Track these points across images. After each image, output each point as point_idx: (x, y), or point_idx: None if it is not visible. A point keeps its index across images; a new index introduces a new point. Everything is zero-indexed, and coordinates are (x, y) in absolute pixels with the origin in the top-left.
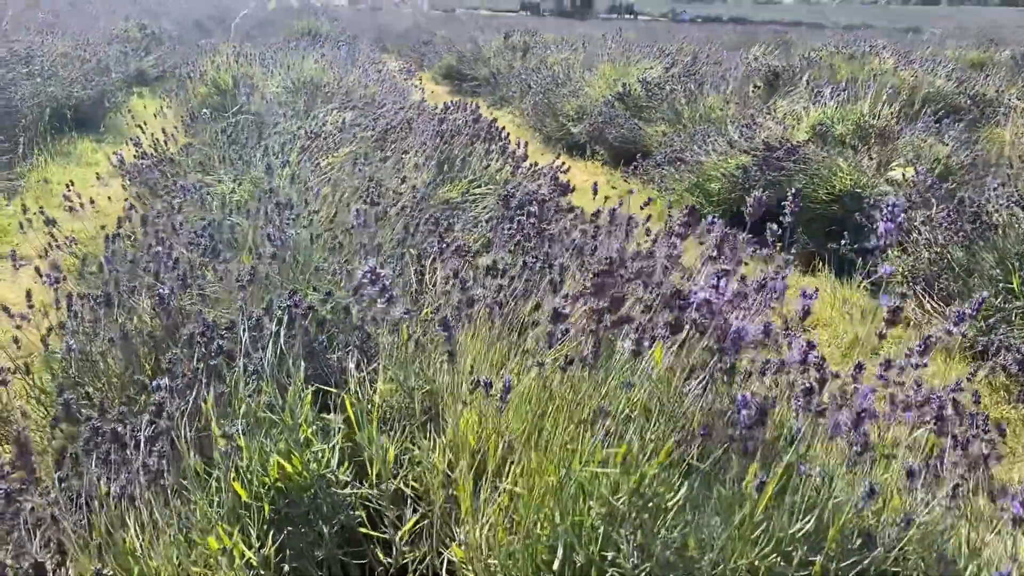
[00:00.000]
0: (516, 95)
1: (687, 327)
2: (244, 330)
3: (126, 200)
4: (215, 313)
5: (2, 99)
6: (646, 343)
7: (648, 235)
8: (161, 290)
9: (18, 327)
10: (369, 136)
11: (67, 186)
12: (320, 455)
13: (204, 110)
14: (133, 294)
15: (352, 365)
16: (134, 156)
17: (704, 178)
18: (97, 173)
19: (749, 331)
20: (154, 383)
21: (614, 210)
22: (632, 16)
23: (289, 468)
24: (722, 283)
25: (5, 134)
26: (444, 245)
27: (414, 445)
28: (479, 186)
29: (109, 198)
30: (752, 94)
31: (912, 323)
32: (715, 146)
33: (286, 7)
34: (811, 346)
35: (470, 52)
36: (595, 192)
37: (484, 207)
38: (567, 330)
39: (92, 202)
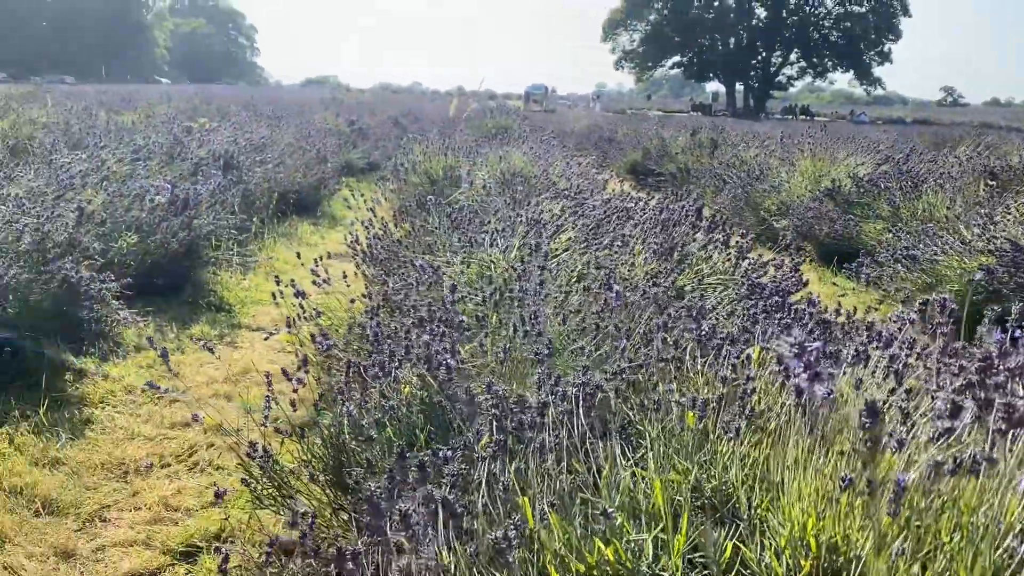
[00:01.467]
0: (708, 190)
1: None
2: (547, 404)
3: (356, 275)
4: (505, 386)
5: (242, 185)
6: None
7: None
8: (447, 360)
9: (295, 391)
10: (588, 223)
11: (315, 261)
12: (636, 546)
13: (426, 197)
14: (401, 364)
15: (618, 451)
16: (366, 238)
17: (937, 279)
18: (329, 252)
19: None
20: (442, 453)
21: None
22: (808, 117)
23: (610, 555)
24: None
25: (246, 215)
26: (703, 333)
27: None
28: (703, 277)
29: (344, 274)
30: (983, 192)
31: None
32: (949, 245)
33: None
34: None
35: (655, 148)
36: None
37: (725, 296)
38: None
39: (327, 282)
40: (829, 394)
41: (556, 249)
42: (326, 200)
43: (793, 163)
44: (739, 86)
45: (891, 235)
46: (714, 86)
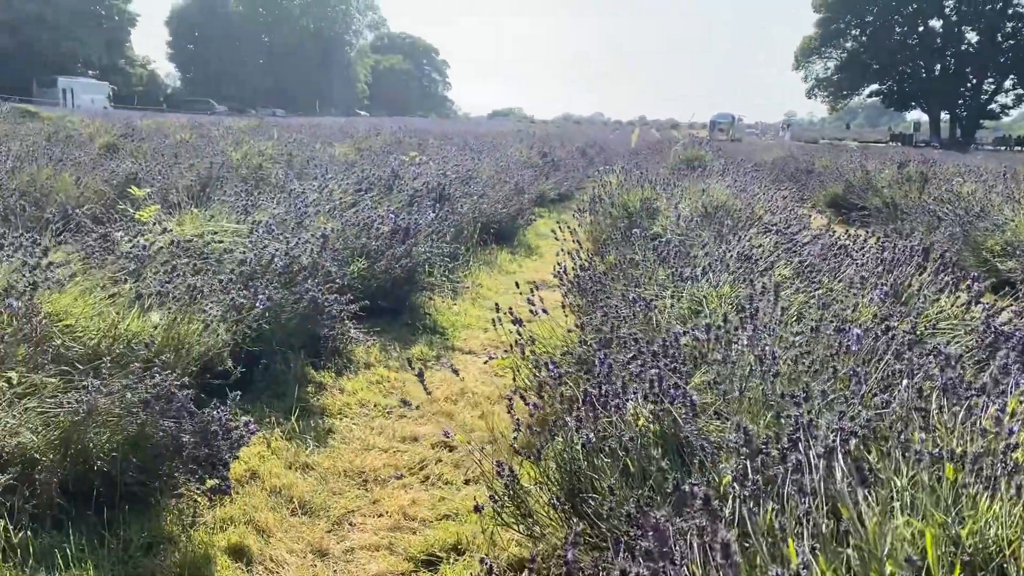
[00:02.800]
0: (920, 227)
1: None
2: (808, 445)
3: (563, 307)
4: (709, 429)
5: (455, 215)
6: None
7: None
8: (691, 397)
9: (531, 415)
10: (799, 261)
11: (531, 290)
12: None
13: (628, 231)
14: (633, 396)
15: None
16: (572, 269)
17: None
18: (535, 283)
19: None
20: (691, 488)
21: None
22: None
23: None
24: None
25: (454, 244)
26: (949, 381)
27: None
28: (929, 319)
29: (563, 307)
30: None
31: None
32: None
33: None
34: None
35: (858, 181)
36: None
37: (963, 343)
38: None
39: (544, 310)
40: None
41: (765, 287)
42: (522, 230)
43: (1018, 200)
44: (944, 115)
45: None
46: (915, 115)
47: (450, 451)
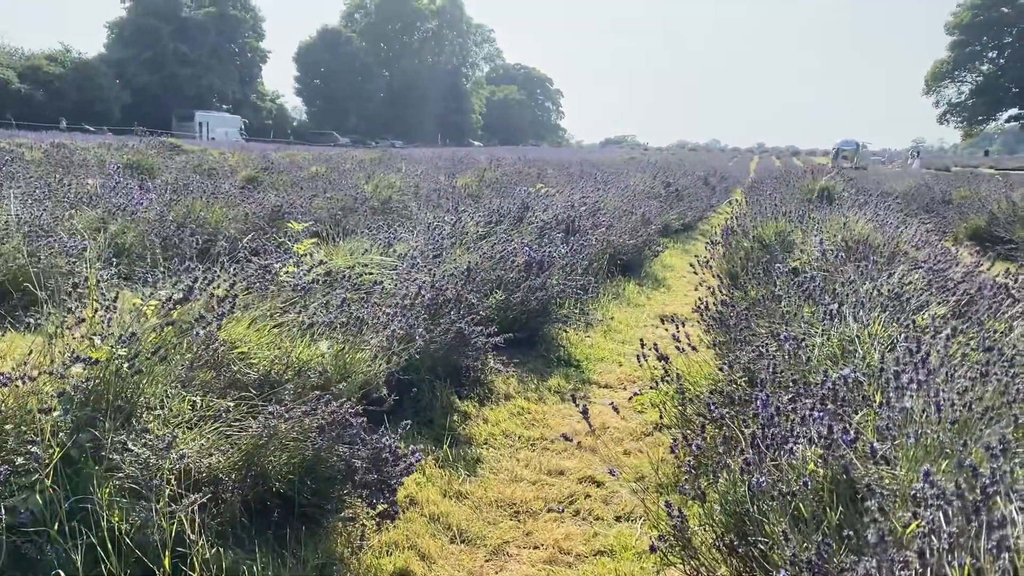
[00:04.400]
0: None
1: None
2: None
3: (700, 339)
4: (890, 478)
5: (587, 247)
6: None
7: None
8: (871, 443)
9: (691, 454)
10: (955, 300)
11: (677, 326)
12: None
13: (770, 264)
14: (792, 438)
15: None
16: (713, 303)
17: None
18: (661, 317)
19: None
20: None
21: None
22: None
23: None
24: None
25: (585, 277)
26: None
27: None
28: None
29: (705, 344)
30: None
31: None
32: None
33: (778, 166)
34: None
35: (1004, 213)
36: None
37: None
38: None
39: (693, 347)
40: None
41: (919, 326)
42: (648, 261)
43: None
44: None
45: None
46: None
47: (597, 486)
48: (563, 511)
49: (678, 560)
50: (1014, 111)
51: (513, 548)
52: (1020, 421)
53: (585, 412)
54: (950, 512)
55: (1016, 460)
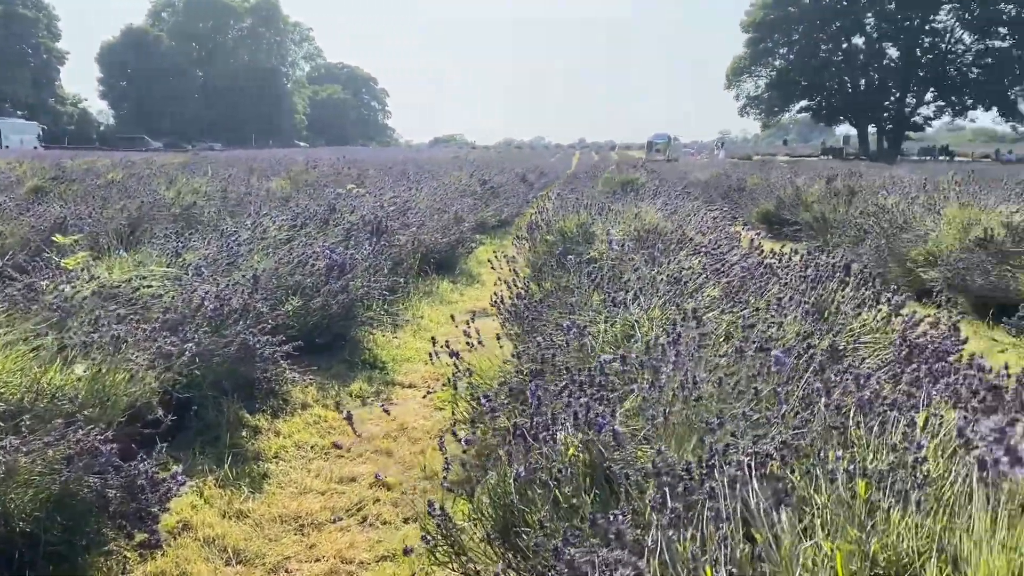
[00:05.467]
0: (847, 240)
1: None
2: (717, 471)
3: (498, 336)
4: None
5: (394, 247)
6: None
7: None
8: (613, 426)
9: (464, 451)
10: (731, 280)
11: (467, 323)
12: None
13: (563, 256)
14: (563, 427)
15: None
16: (508, 297)
17: None
18: (472, 311)
19: None
20: (616, 517)
21: None
22: (948, 158)
23: None
24: None
25: (393, 276)
26: (865, 398)
27: None
28: (853, 335)
29: (496, 336)
30: None
31: None
32: None
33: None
34: None
35: (789, 198)
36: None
37: (875, 356)
38: None
39: (480, 342)
40: None
41: (697, 308)
42: (463, 259)
43: (939, 211)
44: (871, 128)
45: None
46: (844, 129)
47: (388, 490)
48: (348, 519)
49: (446, 559)
50: (804, 103)
51: (294, 564)
52: (763, 394)
53: (349, 418)
54: (680, 488)
55: (757, 433)
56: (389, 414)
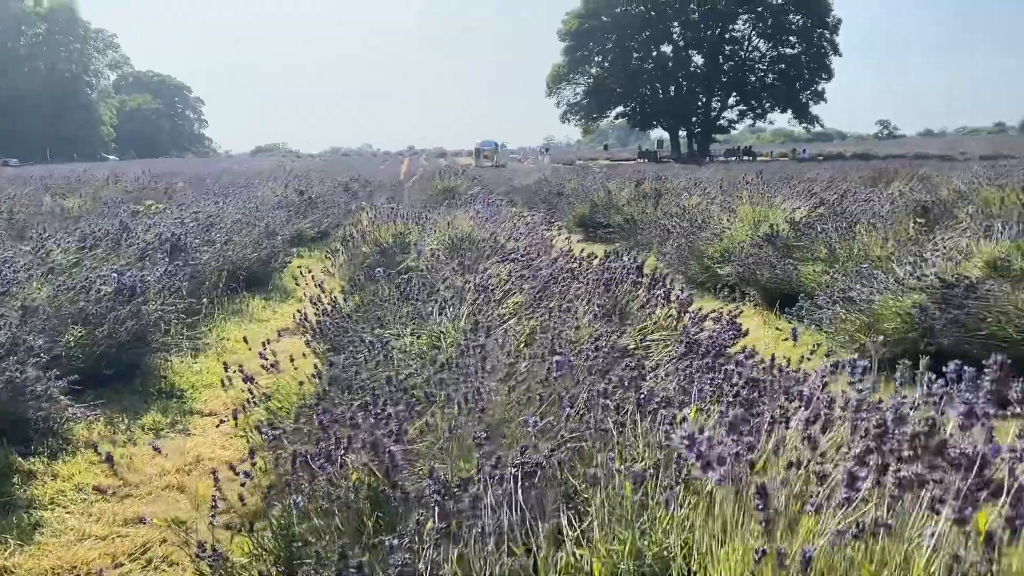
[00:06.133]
0: (654, 240)
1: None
2: (485, 487)
3: (304, 355)
4: (444, 468)
5: (192, 265)
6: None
7: None
8: (390, 447)
9: (242, 484)
10: (535, 286)
11: (263, 344)
12: None
13: (366, 269)
14: (348, 451)
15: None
16: (313, 314)
17: (875, 318)
18: (278, 331)
19: None
20: (388, 543)
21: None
22: (751, 158)
23: None
24: None
25: (194, 297)
26: (642, 397)
27: None
28: (649, 332)
29: (292, 357)
30: (913, 230)
31: None
32: (884, 284)
33: (426, 167)
34: None
35: (602, 201)
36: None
37: (664, 352)
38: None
39: (276, 364)
40: (720, 480)
41: (504, 315)
42: (277, 273)
43: (733, 209)
44: (682, 131)
45: (829, 276)
46: (658, 133)
47: (178, 529)
48: (130, 564)
49: None
50: (621, 109)
51: None
52: (548, 400)
53: (109, 460)
54: (450, 505)
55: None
56: (184, 446)
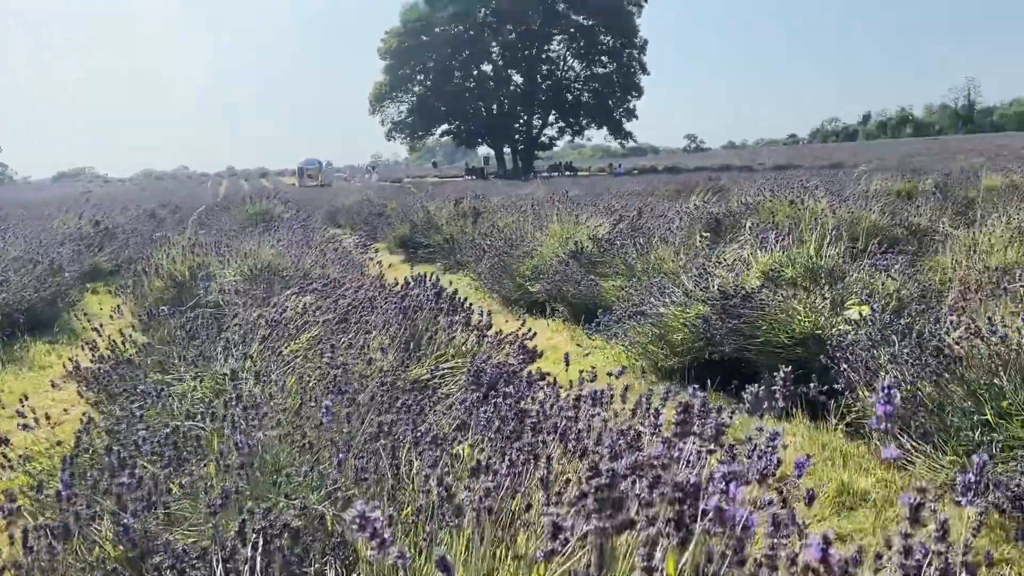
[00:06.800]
0: (471, 259)
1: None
2: (218, 562)
3: (81, 409)
4: (185, 538)
5: None
6: (658, 554)
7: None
8: (125, 520)
9: None
10: (332, 318)
11: (20, 400)
12: None
13: (161, 306)
14: (94, 521)
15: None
16: (90, 360)
17: (666, 329)
18: (52, 381)
19: (755, 521)
20: None
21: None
22: (572, 173)
23: None
24: (732, 487)
25: None
26: (419, 435)
27: None
28: (447, 360)
29: (65, 410)
30: (700, 243)
31: (896, 465)
32: (673, 297)
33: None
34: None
35: (422, 221)
36: (567, 362)
37: (456, 382)
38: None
39: (47, 417)
40: (400, 557)
41: (296, 350)
42: (66, 313)
43: (544, 228)
44: (507, 148)
45: (625, 291)
46: (485, 150)
47: None
48: None
49: None
50: (445, 127)
51: None
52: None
53: None
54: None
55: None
56: None
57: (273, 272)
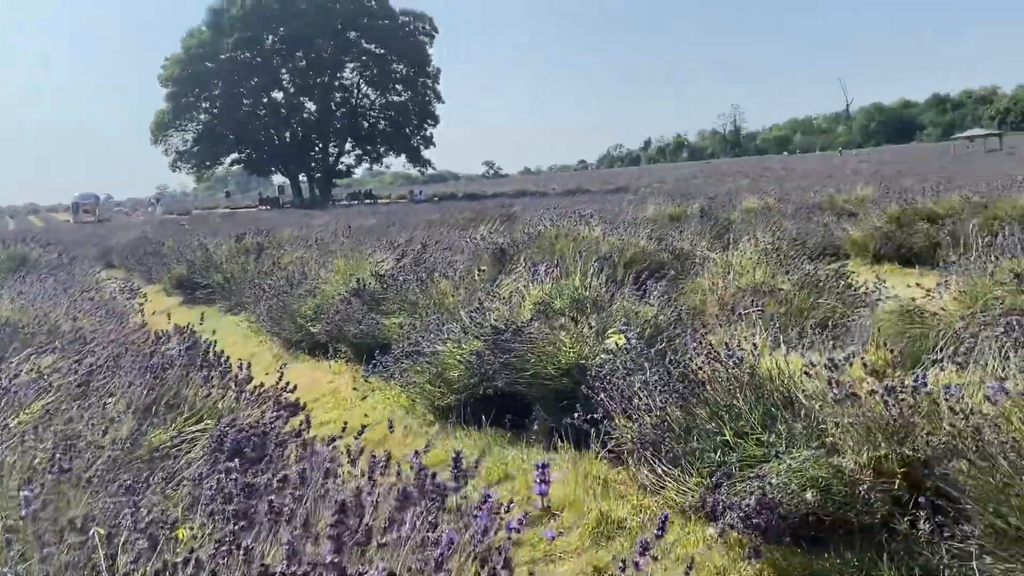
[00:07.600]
0: (251, 300)
1: None
2: None
3: None
4: None
5: None
6: None
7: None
8: None
9: None
10: (72, 381)
11: None
12: None
13: None
14: None
15: None
16: None
17: (443, 367)
18: None
19: None
20: None
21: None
22: (372, 201)
23: None
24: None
25: None
26: (136, 521)
27: None
28: (199, 421)
29: None
30: (478, 277)
31: (648, 488)
32: (450, 334)
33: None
34: None
35: (200, 259)
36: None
37: (202, 447)
38: None
39: None
40: None
41: (26, 421)
42: None
43: (327, 264)
44: (303, 177)
45: (405, 329)
46: (280, 178)
47: None
48: None
49: None
50: (235, 155)
51: None
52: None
53: None
54: None
55: None
56: None
57: (14, 329)
